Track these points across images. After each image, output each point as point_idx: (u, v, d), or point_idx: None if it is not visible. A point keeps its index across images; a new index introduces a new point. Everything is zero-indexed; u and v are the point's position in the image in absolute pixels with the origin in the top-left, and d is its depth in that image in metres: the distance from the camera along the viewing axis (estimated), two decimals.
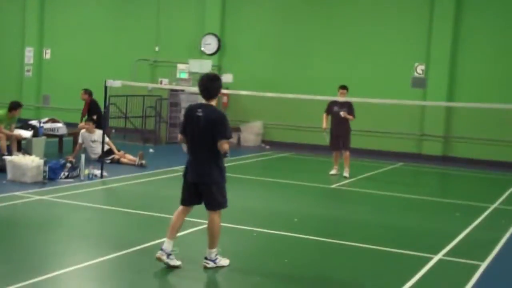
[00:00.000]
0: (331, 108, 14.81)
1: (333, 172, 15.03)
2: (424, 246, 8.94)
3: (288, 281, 7.34)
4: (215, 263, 7.38)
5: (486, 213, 11.57)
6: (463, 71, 18.76)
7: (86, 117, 16.25)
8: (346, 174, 14.79)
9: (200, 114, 7.26)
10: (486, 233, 10.09)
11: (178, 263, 7.31)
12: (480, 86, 18.25)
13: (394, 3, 19.53)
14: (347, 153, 14.87)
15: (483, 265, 8.10)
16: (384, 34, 19.53)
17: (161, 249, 7.30)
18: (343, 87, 14.70)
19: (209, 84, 7.34)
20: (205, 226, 7.54)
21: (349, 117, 14.64)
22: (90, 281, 7.05)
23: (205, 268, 7.33)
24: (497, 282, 7.69)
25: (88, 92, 16.91)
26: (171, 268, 7.26)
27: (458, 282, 7.38)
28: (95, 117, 15.85)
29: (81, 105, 17.19)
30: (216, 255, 7.41)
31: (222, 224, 7.46)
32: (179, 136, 7.60)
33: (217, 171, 7.29)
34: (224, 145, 7.13)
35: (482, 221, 10.95)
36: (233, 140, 20.21)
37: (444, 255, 8.52)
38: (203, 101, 7.42)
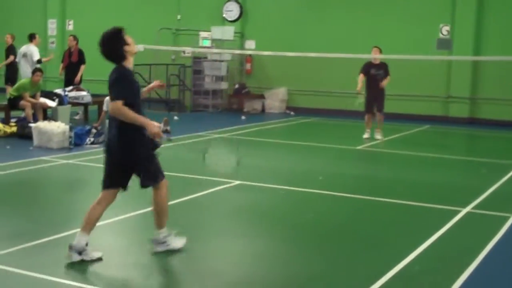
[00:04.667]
0: (366, 70, 14.49)
1: (366, 136, 14.71)
2: (453, 200, 8.84)
3: (313, 233, 7.31)
4: (165, 246, 6.41)
5: None
6: (489, 31, 18.37)
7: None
8: (378, 136, 14.59)
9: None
10: None
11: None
12: (507, 46, 17.81)
13: None
14: (382, 116, 14.67)
15: None
16: None
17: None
18: (377, 47, 14.57)
19: (104, 50, 6.08)
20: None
21: (384, 83, 14.33)
22: (119, 234, 7.09)
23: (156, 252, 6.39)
24: None
25: (76, 38, 17.18)
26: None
27: (488, 232, 7.29)
28: None
29: (105, 73, 17.00)
30: (165, 236, 6.41)
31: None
32: None
33: (122, 141, 6.11)
34: (114, 106, 5.93)
35: (510, 177, 10.80)
36: (257, 106, 20.21)
37: (473, 208, 8.44)
38: None
